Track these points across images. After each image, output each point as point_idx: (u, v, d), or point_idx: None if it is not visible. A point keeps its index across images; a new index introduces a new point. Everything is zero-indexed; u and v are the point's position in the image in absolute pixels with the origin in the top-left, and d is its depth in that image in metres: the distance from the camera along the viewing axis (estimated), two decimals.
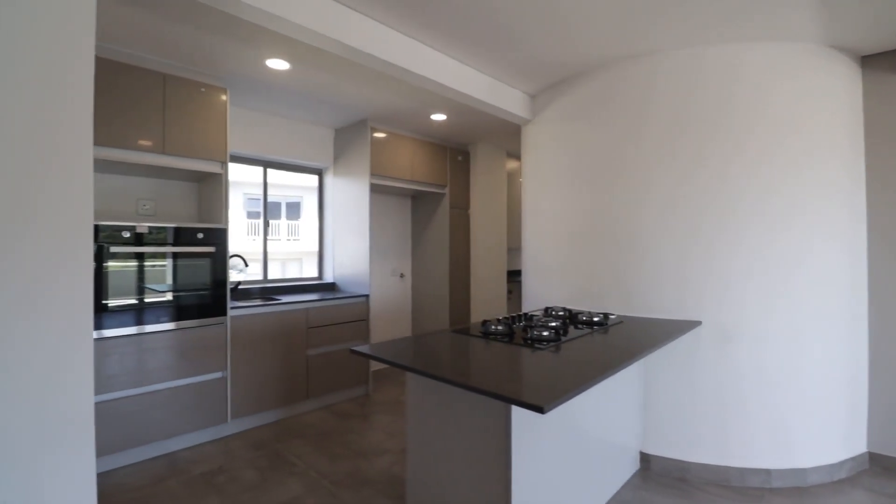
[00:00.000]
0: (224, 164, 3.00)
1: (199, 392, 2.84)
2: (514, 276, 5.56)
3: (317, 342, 3.50)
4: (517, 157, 5.45)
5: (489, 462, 1.66)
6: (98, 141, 2.36)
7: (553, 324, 2.21)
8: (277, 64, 2.75)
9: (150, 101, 2.69)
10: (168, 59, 2.71)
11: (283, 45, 2.49)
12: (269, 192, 3.98)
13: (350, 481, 2.42)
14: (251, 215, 5.02)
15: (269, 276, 3.96)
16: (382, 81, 3.00)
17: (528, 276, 3.44)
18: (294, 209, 6.31)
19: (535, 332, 2.01)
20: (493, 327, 2.17)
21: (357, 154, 3.94)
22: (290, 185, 4.86)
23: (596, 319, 2.38)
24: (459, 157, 4.79)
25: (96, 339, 2.42)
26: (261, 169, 3.92)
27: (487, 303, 4.92)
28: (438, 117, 3.87)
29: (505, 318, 2.39)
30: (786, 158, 2.43)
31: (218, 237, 2.95)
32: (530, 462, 1.69)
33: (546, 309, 2.74)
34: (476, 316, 4.82)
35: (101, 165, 2.65)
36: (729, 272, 2.48)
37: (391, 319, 4.79)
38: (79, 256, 1.18)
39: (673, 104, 2.61)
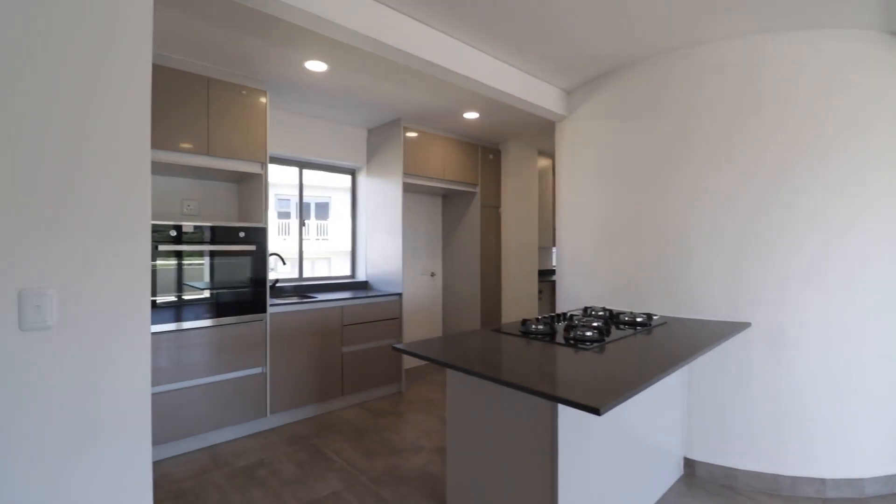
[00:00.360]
0: (264, 165, 3.06)
1: (239, 387, 2.91)
2: (544, 276, 5.50)
3: (352, 340, 3.54)
4: (549, 155, 5.39)
5: (534, 463, 1.64)
6: None
7: (595, 324, 2.16)
8: (315, 66, 2.80)
9: (195, 105, 2.77)
10: (211, 62, 2.78)
11: (322, 47, 2.53)
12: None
13: (387, 478, 2.43)
14: (281, 215, 5.13)
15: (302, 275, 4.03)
16: (417, 80, 3.01)
17: (563, 275, 3.38)
18: (323, 209, 6.42)
19: (578, 332, 1.97)
20: (533, 326, 2.14)
21: (390, 154, 3.97)
22: (320, 186, 4.94)
23: (639, 320, 2.32)
24: (490, 156, 4.76)
25: None
26: (293, 169, 3.99)
27: (518, 302, 4.88)
28: (471, 116, 3.85)
29: (545, 317, 2.35)
30: (853, 156, 2.29)
31: (258, 236, 3.02)
32: (575, 464, 1.66)
33: (585, 308, 2.69)
34: (507, 315, 4.78)
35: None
36: (785, 274, 2.37)
37: (422, 318, 4.80)
38: (139, 255, 1.22)
39: (729, 99, 2.49)
